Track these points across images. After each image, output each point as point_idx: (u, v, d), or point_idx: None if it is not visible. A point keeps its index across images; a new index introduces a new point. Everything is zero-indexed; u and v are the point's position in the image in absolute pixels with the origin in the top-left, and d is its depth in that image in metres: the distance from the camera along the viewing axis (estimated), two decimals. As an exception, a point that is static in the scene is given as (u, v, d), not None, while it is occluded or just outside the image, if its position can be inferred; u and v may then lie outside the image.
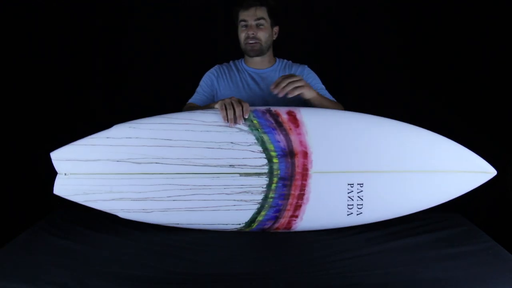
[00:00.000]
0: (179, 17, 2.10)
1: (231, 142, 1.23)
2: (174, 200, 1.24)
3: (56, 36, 2.07)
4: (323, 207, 1.26)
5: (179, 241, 1.30)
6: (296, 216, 1.25)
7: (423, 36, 2.08)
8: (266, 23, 1.42)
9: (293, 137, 1.24)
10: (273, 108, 1.29)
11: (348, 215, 1.27)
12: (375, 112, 1.36)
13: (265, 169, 1.23)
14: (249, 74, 1.53)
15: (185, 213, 1.26)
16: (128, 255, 1.21)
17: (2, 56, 2.01)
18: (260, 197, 1.23)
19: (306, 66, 1.62)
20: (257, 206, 1.24)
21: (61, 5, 2.03)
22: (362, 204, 1.26)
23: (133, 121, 1.29)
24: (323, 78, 1.66)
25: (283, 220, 1.26)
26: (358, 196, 1.25)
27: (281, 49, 1.67)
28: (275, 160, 1.23)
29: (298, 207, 1.24)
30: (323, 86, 1.59)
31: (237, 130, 1.24)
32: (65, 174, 1.27)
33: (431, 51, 2.08)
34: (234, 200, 1.23)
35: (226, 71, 1.54)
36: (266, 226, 1.28)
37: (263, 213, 1.25)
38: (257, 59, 1.49)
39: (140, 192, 1.25)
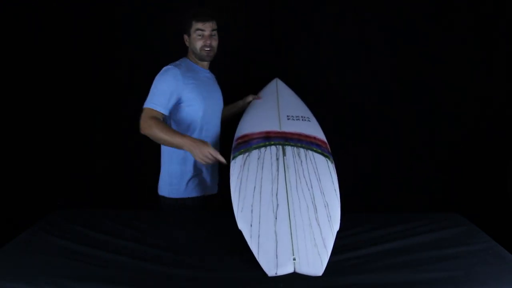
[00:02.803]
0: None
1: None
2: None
3: (59, 39, 2.07)
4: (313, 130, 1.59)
5: (179, 241, 1.31)
6: (315, 137, 1.55)
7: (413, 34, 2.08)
8: (216, 34, 1.69)
9: None
10: None
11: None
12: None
13: (277, 148, 1.46)
14: (205, 74, 1.74)
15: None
16: (128, 256, 1.21)
17: (4, 58, 2.02)
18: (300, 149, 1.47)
19: None
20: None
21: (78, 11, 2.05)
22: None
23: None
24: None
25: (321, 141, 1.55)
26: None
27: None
28: (272, 143, 1.48)
29: (308, 137, 1.54)
30: None
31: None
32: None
33: (426, 55, 2.08)
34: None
35: (186, 71, 1.65)
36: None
37: (315, 149, 1.48)
38: (205, 62, 1.74)
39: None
